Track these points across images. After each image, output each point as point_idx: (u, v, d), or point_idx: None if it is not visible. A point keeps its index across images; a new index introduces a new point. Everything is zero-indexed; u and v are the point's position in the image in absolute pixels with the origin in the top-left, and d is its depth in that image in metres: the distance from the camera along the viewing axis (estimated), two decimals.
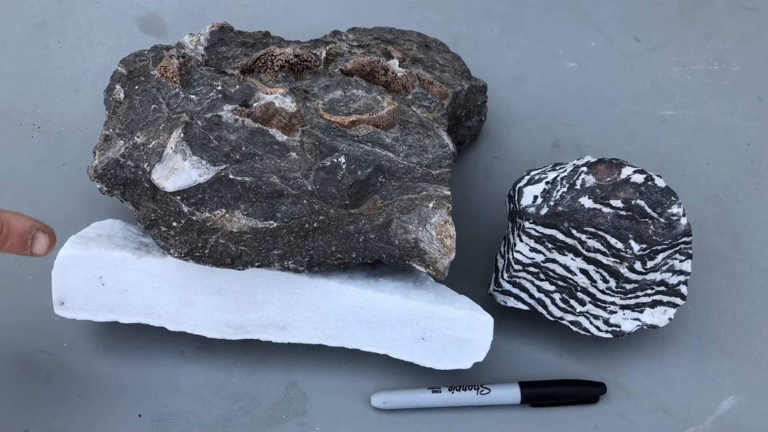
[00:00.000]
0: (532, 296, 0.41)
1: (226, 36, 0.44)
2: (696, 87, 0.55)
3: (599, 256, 0.39)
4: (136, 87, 0.41)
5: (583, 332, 0.41)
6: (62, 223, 0.46)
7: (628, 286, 0.39)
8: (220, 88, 0.39)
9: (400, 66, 0.44)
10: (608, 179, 0.39)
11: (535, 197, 0.40)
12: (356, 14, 0.57)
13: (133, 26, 0.56)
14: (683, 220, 0.38)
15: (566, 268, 0.40)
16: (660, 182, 0.39)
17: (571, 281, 0.40)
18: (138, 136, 0.38)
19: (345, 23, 0.53)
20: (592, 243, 0.38)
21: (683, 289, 0.41)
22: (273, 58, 0.42)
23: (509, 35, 0.57)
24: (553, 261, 0.40)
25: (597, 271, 0.39)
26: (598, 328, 0.41)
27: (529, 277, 0.41)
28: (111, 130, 0.41)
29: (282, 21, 0.57)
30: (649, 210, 0.38)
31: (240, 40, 0.45)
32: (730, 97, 0.55)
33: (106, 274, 0.40)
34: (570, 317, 0.41)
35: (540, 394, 0.41)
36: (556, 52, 0.57)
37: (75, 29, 0.56)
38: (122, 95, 0.42)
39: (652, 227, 0.38)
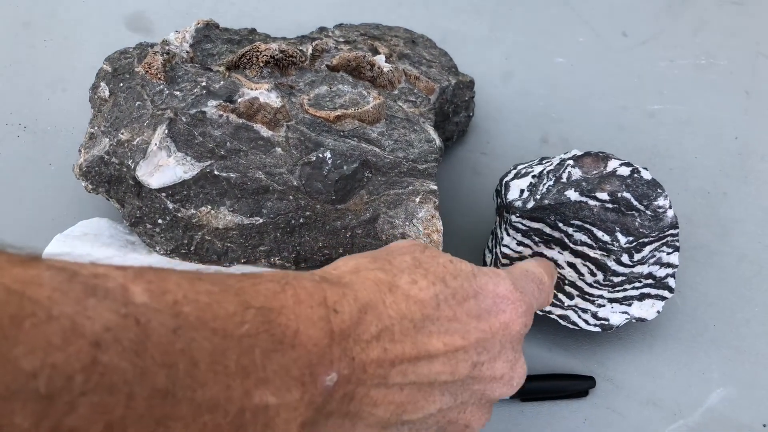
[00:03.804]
0: None
1: (211, 33, 0.44)
2: (684, 81, 0.55)
3: (586, 249, 0.39)
4: (121, 84, 0.41)
5: (571, 326, 0.41)
6: (49, 223, 0.46)
7: (616, 279, 0.39)
8: (204, 84, 0.39)
9: (386, 61, 0.44)
10: (594, 172, 0.39)
11: (522, 191, 0.40)
12: (344, 12, 0.57)
13: (120, 25, 0.56)
14: (670, 212, 0.38)
15: (553, 261, 0.40)
16: (646, 174, 0.39)
17: (558, 275, 0.40)
18: (122, 133, 0.38)
19: (332, 21, 0.53)
20: (579, 236, 0.38)
21: (671, 281, 0.41)
22: (258, 54, 0.41)
23: (497, 31, 0.57)
24: (541, 255, 0.40)
25: (584, 265, 0.39)
26: (586, 321, 0.41)
27: None
28: (96, 128, 0.40)
29: (269, 19, 0.57)
30: (635, 202, 0.38)
31: (226, 37, 0.45)
32: (718, 91, 0.55)
33: None
34: (558, 311, 0.41)
35: (529, 388, 0.41)
36: (544, 48, 0.57)
37: (61, 28, 0.55)
38: (107, 93, 0.41)
39: (638, 219, 0.38)
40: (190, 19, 0.57)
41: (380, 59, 0.43)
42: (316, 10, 0.57)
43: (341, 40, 0.46)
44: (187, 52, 0.42)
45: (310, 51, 0.44)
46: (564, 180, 0.39)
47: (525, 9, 0.59)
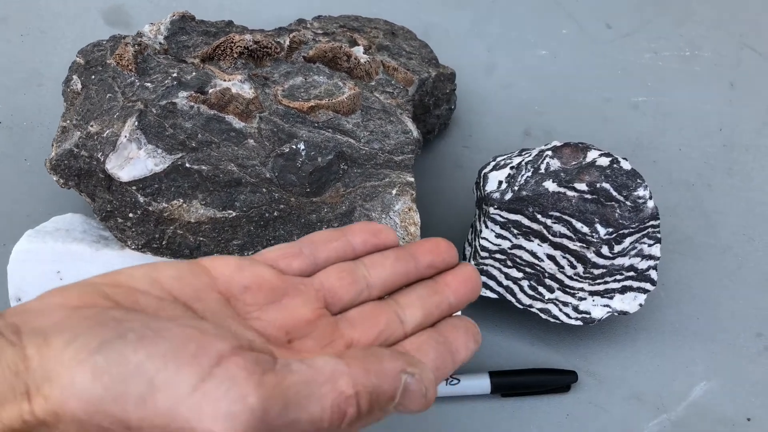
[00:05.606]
0: (500, 284, 0.41)
1: (187, 25, 0.44)
2: (668, 73, 0.55)
3: (565, 241, 0.38)
4: (93, 77, 0.40)
5: (552, 320, 0.40)
6: (24, 219, 0.46)
7: (596, 272, 0.39)
8: (175, 75, 0.38)
9: (364, 53, 0.43)
10: (573, 163, 0.38)
11: (500, 183, 0.39)
12: (325, 5, 0.57)
13: (98, 19, 0.55)
14: (650, 203, 0.38)
15: (533, 254, 0.39)
16: (626, 165, 0.38)
17: (538, 267, 0.39)
18: (92, 126, 0.37)
19: (313, 14, 0.53)
20: (558, 227, 0.38)
21: (653, 274, 0.40)
22: (232, 45, 0.41)
23: (480, 24, 0.57)
24: (520, 247, 0.39)
25: (564, 257, 0.39)
26: (567, 315, 0.40)
27: (497, 264, 0.40)
28: (68, 121, 0.40)
29: (249, 12, 0.56)
30: (614, 193, 0.37)
31: (202, 29, 0.44)
32: (702, 83, 0.54)
33: (63, 269, 0.39)
34: (539, 305, 0.41)
35: (510, 383, 0.40)
36: (528, 40, 0.56)
37: (38, 22, 0.55)
38: (79, 86, 0.41)
39: (618, 210, 0.37)
40: (169, 13, 0.56)
41: (358, 50, 0.43)
42: (297, 4, 0.57)
43: (320, 32, 0.46)
44: (161, 44, 0.41)
45: (287, 43, 0.43)
46: (542, 171, 0.38)
47: (508, 1, 0.58)
